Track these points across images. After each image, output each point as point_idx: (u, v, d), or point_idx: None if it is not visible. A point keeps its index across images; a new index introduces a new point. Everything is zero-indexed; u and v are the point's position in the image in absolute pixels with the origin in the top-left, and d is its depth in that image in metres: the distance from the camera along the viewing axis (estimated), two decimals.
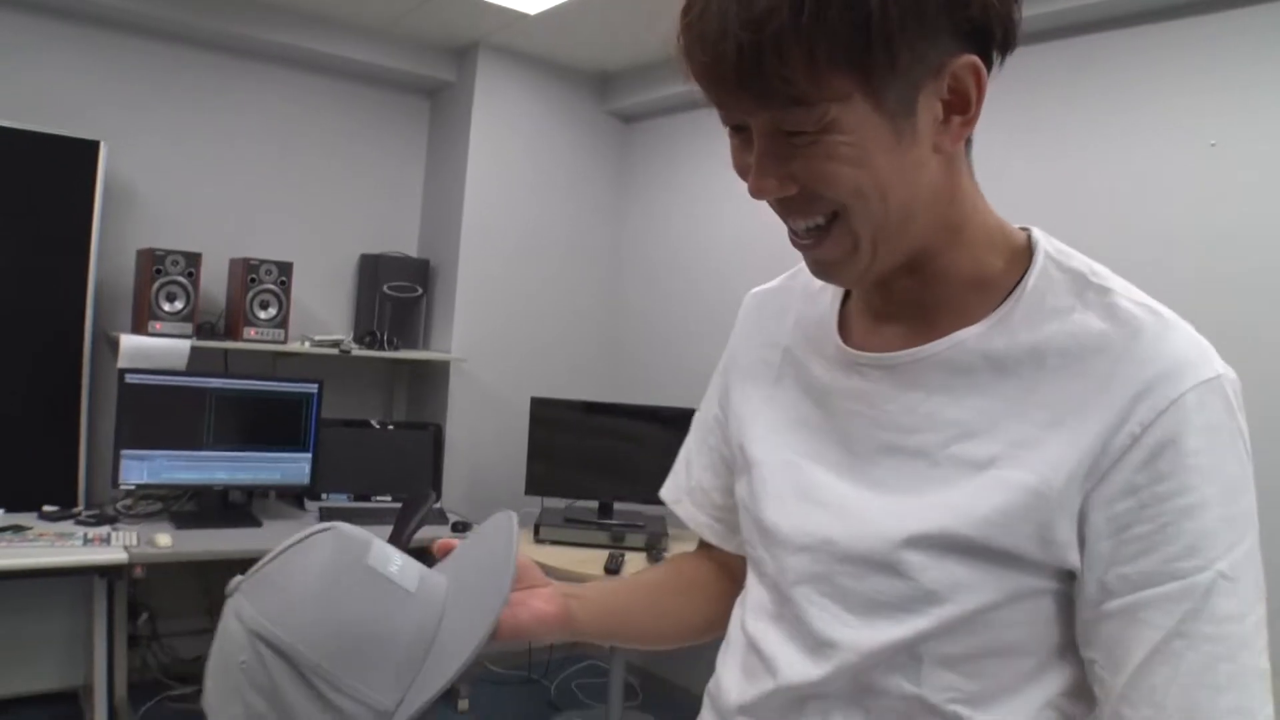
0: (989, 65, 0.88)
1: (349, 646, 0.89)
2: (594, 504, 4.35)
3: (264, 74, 4.47)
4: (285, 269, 4.12)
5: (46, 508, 3.71)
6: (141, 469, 3.80)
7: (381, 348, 4.49)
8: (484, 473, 4.75)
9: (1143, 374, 0.85)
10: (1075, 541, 0.87)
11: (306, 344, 4.32)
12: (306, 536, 0.95)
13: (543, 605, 1.10)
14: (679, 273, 4.72)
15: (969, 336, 0.95)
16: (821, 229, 0.91)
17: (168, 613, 4.22)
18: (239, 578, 0.95)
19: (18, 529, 3.42)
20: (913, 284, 0.99)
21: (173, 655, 4.24)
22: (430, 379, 4.85)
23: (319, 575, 0.91)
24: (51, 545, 3.32)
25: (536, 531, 4.06)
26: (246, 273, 4.05)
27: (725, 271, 4.42)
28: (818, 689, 1.02)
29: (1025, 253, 0.97)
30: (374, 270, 4.63)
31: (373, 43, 4.50)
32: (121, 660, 3.91)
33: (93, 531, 3.49)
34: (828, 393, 1.06)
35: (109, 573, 3.44)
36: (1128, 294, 0.91)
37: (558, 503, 4.38)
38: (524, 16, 4.14)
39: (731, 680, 1.11)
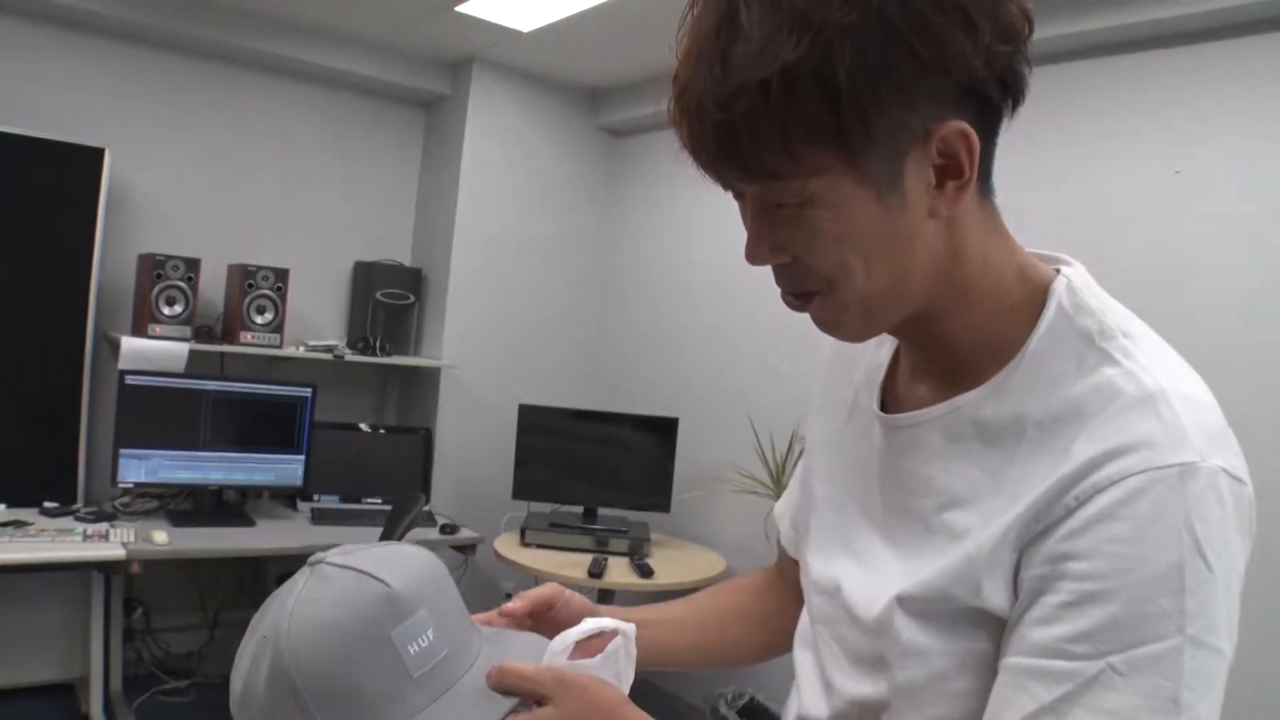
0: (995, 120, 0.87)
1: (335, 697, 0.90)
2: (579, 509, 4.43)
3: (265, 85, 4.55)
4: (282, 275, 4.19)
5: (47, 504, 3.79)
6: (139, 468, 3.88)
7: (374, 353, 4.57)
8: (472, 477, 4.82)
9: (1098, 448, 0.81)
10: (1008, 599, 0.85)
11: (301, 349, 4.40)
12: (364, 575, 0.95)
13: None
14: (665, 284, 4.79)
15: (965, 403, 0.93)
16: (808, 296, 0.91)
17: (161, 609, 4.29)
18: (324, 554, 0.97)
19: (19, 524, 3.51)
20: (928, 344, 0.98)
21: (166, 650, 4.33)
22: (421, 384, 4.93)
23: (344, 628, 0.91)
24: (52, 540, 3.40)
25: (523, 535, 4.15)
26: (244, 278, 4.13)
27: (710, 283, 4.48)
28: None
29: (1042, 306, 0.92)
30: (368, 278, 4.70)
31: (371, 56, 4.59)
32: (116, 654, 4.02)
33: (92, 528, 3.58)
34: (874, 444, 1.05)
35: (106, 568, 3.52)
36: (1134, 359, 0.86)
37: (543, 507, 4.46)
38: (517, 33, 4.23)
39: (790, 699, 1.15)
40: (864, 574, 1.01)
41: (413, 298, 4.77)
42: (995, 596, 0.86)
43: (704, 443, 4.42)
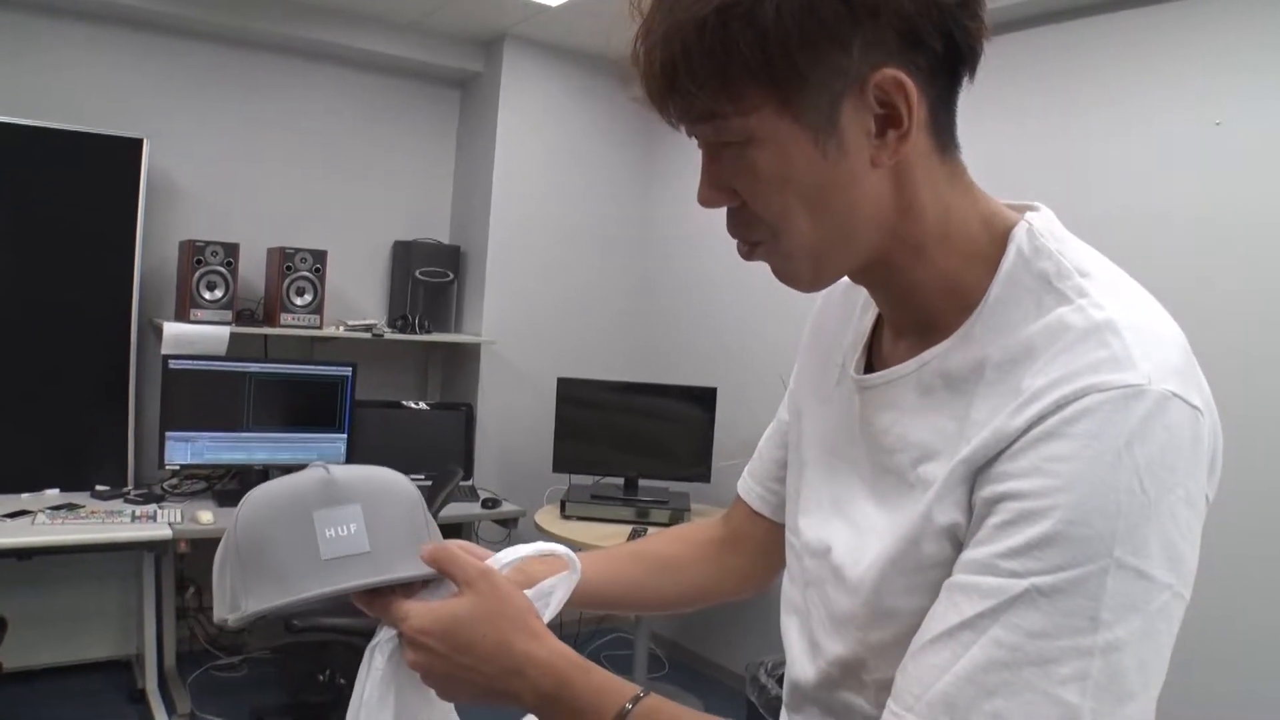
0: (946, 76, 0.87)
1: (252, 555, 1.00)
2: (619, 480, 4.46)
3: (299, 70, 4.61)
4: (320, 257, 4.27)
5: (99, 487, 3.91)
6: (185, 450, 3.97)
7: (414, 331, 4.63)
8: (514, 451, 4.87)
9: (1044, 381, 0.81)
10: (962, 523, 0.85)
11: (341, 328, 4.47)
12: (318, 466, 1.05)
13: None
14: (703, 255, 4.79)
15: (934, 355, 0.94)
16: (756, 245, 0.92)
17: (213, 587, 4.40)
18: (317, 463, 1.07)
19: (72, 507, 3.62)
20: (895, 297, 0.99)
21: (218, 627, 4.42)
22: (461, 360, 4.99)
23: (276, 498, 1.02)
24: (103, 522, 3.50)
25: (563, 508, 4.19)
26: (283, 261, 4.21)
27: None
28: (811, 692, 1.08)
29: (1003, 253, 0.92)
30: (406, 256, 4.76)
31: (404, 37, 4.63)
32: (170, 631, 4.12)
33: (140, 509, 3.68)
34: (855, 406, 1.05)
35: (155, 548, 3.64)
36: (1087, 296, 0.85)
37: (584, 479, 4.49)
38: (547, 8, 4.26)
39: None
40: (853, 535, 1.01)
41: (452, 275, 4.82)
42: (954, 518, 0.86)
43: (742, 410, 4.43)
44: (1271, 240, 2.88)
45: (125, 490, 3.96)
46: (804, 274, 0.93)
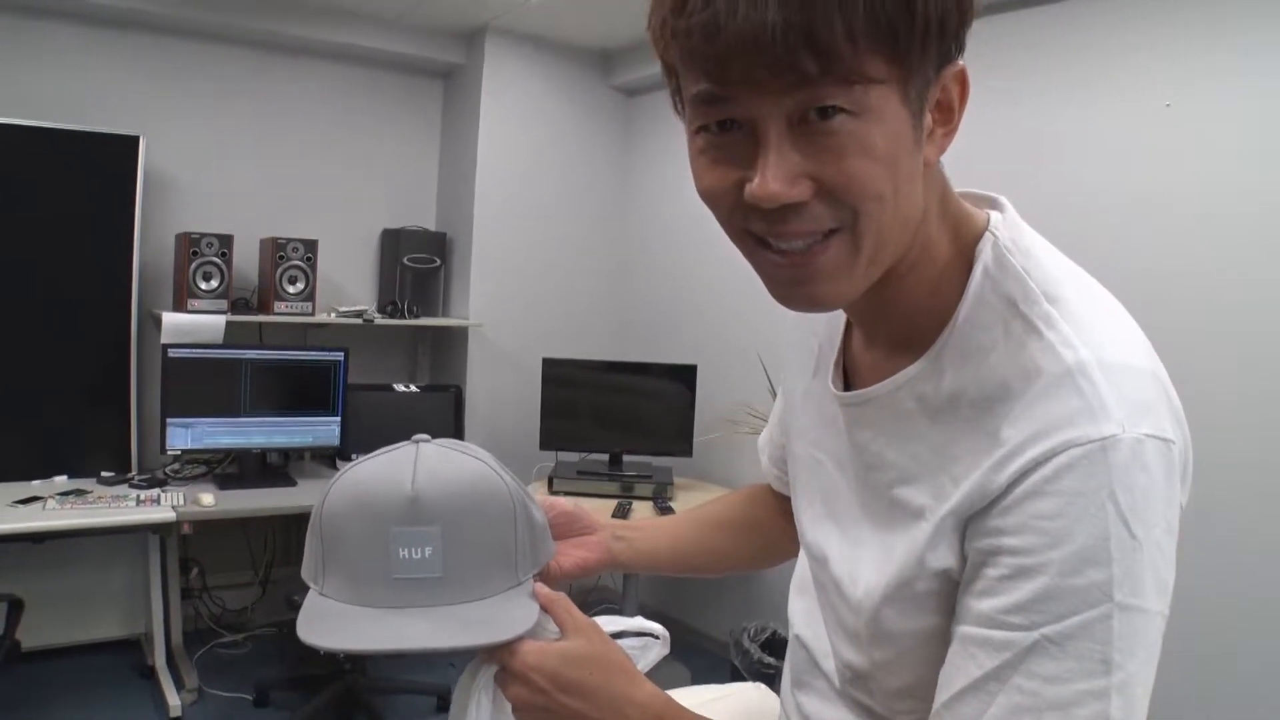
0: None
1: (332, 545, 1.01)
2: (605, 457, 4.58)
3: (287, 65, 4.70)
4: (311, 246, 4.37)
5: (104, 473, 4.02)
6: (186, 435, 4.08)
7: (403, 316, 4.75)
8: (502, 430, 4.97)
9: (1023, 434, 0.82)
10: (956, 568, 0.88)
11: (333, 315, 4.58)
12: (419, 442, 1.05)
13: (586, 554, 1.26)
14: (680, 237, 4.87)
15: (908, 378, 0.93)
16: (824, 239, 0.82)
17: (215, 568, 4.54)
18: (434, 439, 1.06)
19: (79, 493, 3.74)
20: (871, 313, 0.98)
21: (222, 606, 4.58)
22: (450, 344, 5.10)
23: (363, 494, 1.01)
24: (109, 507, 3.62)
25: (550, 484, 4.31)
26: (275, 251, 4.31)
27: (723, 235, 4.55)
28: (824, 676, 1.12)
29: (970, 266, 0.91)
30: (395, 244, 4.86)
31: (387, 30, 4.72)
32: (176, 611, 4.25)
33: (144, 493, 3.80)
34: (837, 409, 1.06)
35: (160, 530, 3.76)
36: (1057, 328, 0.85)
37: (571, 456, 4.61)
38: (526, 1, 4.35)
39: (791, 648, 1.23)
40: (846, 547, 1.03)
41: (439, 261, 4.91)
42: (948, 563, 0.88)
43: (721, 386, 4.53)
44: (1220, 217, 2.94)
45: (129, 475, 4.07)
46: (858, 271, 0.84)
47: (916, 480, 0.92)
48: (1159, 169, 3.10)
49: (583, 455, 4.65)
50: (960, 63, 0.80)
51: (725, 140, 0.81)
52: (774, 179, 0.77)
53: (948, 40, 0.77)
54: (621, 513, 3.97)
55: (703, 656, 4.57)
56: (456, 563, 0.99)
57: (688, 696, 1.44)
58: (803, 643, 1.17)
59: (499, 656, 0.99)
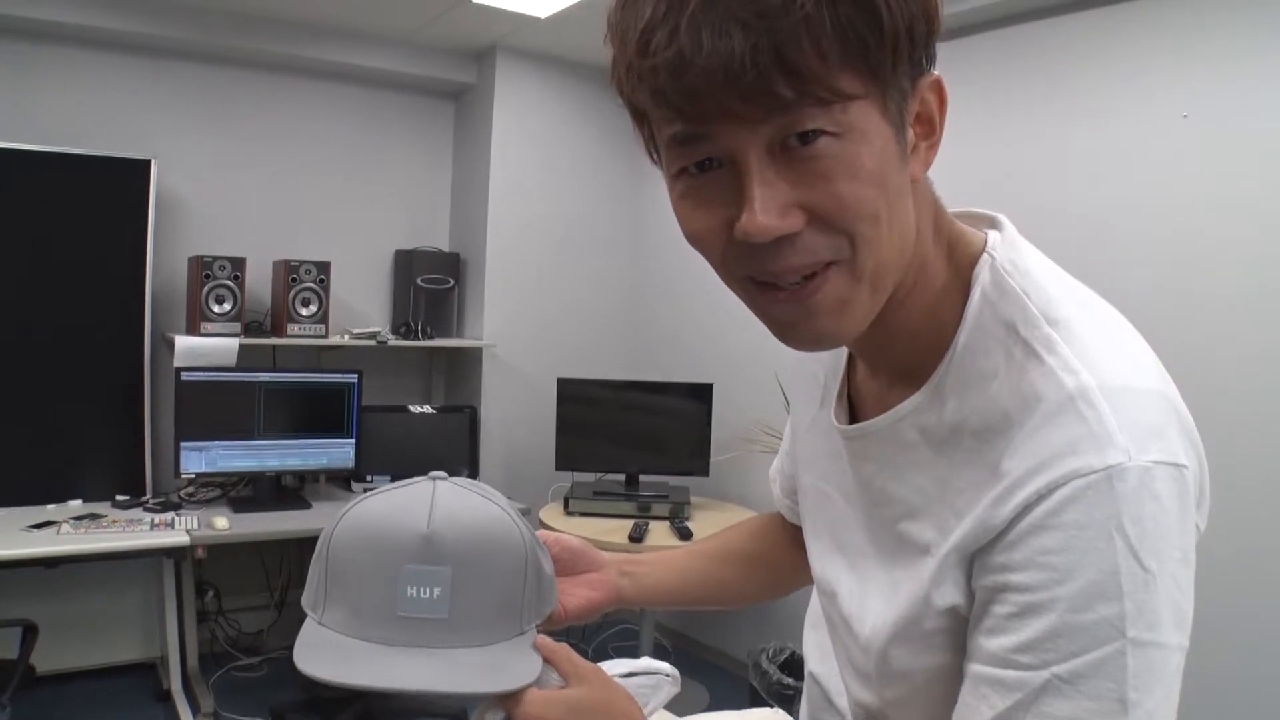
0: None
1: (338, 574, 0.99)
2: (621, 476, 4.57)
3: (298, 88, 4.72)
4: (324, 268, 4.38)
5: (119, 497, 4.04)
6: (200, 459, 4.08)
7: (417, 337, 4.74)
8: (518, 450, 4.98)
9: (1025, 465, 0.78)
10: (966, 609, 0.85)
11: (346, 337, 4.58)
12: (436, 479, 1.04)
13: (591, 594, 1.21)
14: (694, 254, 4.74)
15: (908, 410, 0.90)
16: (821, 272, 0.78)
17: (231, 591, 4.53)
18: (449, 477, 1.05)
19: (94, 516, 3.76)
20: (871, 342, 0.91)
21: (238, 629, 4.57)
22: (464, 364, 5.10)
23: (377, 528, 0.99)
24: (123, 531, 3.62)
25: (566, 504, 4.30)
26: (288, 273, 4.32)
27: None
28: (834, 713, 1.13)
29: (968, 289, 0.88)
30: (408, 265, 4.87)
31: (397, 52, 4.74)
32: (192, 634, 4.25)
33: (159, 517, 3.80)
34: (840, 442, 1.03)
35: (174, 554, 3.75)
36: (1057, 353, 0.81)
37: (587, 476, 4.60)
38: (535, 20, 4.36)
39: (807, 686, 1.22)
40: (854, 583, 1.01)
41: (452, 281, 4.93)
42: (955, 600, 0.85)
43: (737, 405, 4.52)
44: (1238, 226, 2.95)
45: (144, 499, 4.08)
46: (860, 304, 0.80)
47: (922, 515, 0.90)
48: (1177, 179, 3.11)
49: (599, 475, 4.63)
50: (935, 73, 0.78)
51: (707, 180, 0.78)
52: (763, 211, 0.74)
53: (919, 50, 0.74)
54: (639, 533, 3.96)
55: (721, 677, 4.56)
56: (463, 606, 0.97)
57: None
58: (816, 679, 1.17)
59: (506, 705, 0.97)
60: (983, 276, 0.86)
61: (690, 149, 0.77)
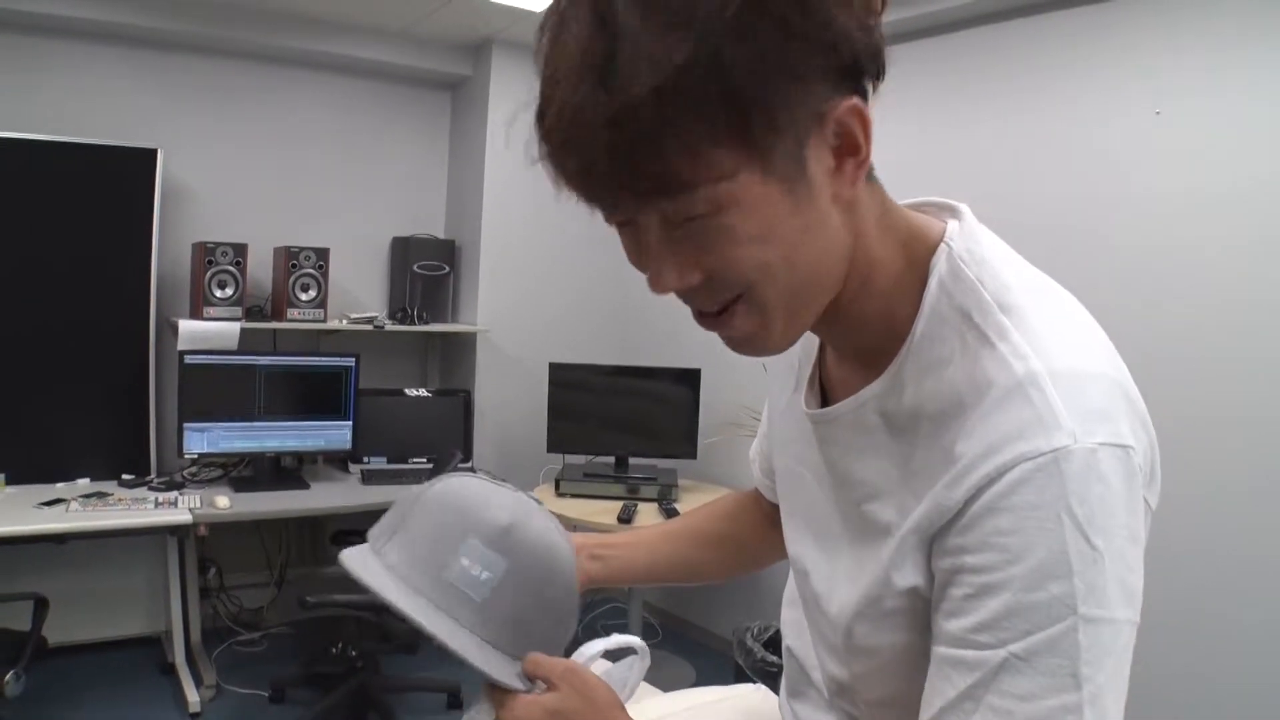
0: (865, 97, 0.81)
1: (413, 520, 1.06)
2: (610, 459, 4.66)
3: (299, 79, 4.80)
4: (323, 254, 4.47)
5: (124, 476, 4.15)
6: (202, 439, 4.19)
7: (413, 322, 4.84)
8: (510, 433, 5.08)
9: (976, 449, 0.82)
10: (927, 590, 0.88)
11: (344, 321, 4.66)
12: (528, 500, 1.10)
13: None
14: None
15: (870, 396, 0.93)
16: (724, 310, 0.86)
17: (232, 568, 4.64)
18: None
19: (100, 495, 3.87)
20: (835, 333, 0.99)
21: (239, 605, 4.69)
22: (459, 349, 5.19)
23: (461, 499, 1.07)
24: (128, 509, 3.73)
25: (557, 486, 4.38)
26: (288, 259, 4.41)
27: None
28: (814, 685, 1.17)
29: (925, 280, 0.90)
30: (404, 251, 4.95)
31: (395, 44, 4.81)
32: (195, 610, 4.35)
33: (162, 496, 3.91)
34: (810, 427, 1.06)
35: (177, 531, 3.86)
36: (1009, 339, 0.85)
37: (577, 459, 4.69)
38: (531, 14, 4.40)
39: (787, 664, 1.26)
40: (824, 562, 1.05)
41: (448, 268, 5.00)
42: (915, 582, 0.89)
43: (724, 390, 4.57)
44: (1210, 220, 3.00)
45: (149, 478, 4.18)
46: (775, 329, 0.87)
47: (883, 496, 0.93)
48: (1149, 175, 3.16)
49: (589, 458, 4.72)
50: (848, 101, 0.79)
51: (627, 234, 0.86)
52: (657, 277, 0.84)
53: (803, 96, 0.76)
54: (627, 514, 4.05)
55: (707, 656, 4.65)
56: (497, 602, 1.02)
57: (689, 698, 1.50)
58: (793, 654, 1.21)
59: (495, 704, 1.02)
60: (940, 266, 0.89)
61: (600, 213, 0.84)
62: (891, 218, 0.91)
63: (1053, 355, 0.83)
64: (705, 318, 0.88)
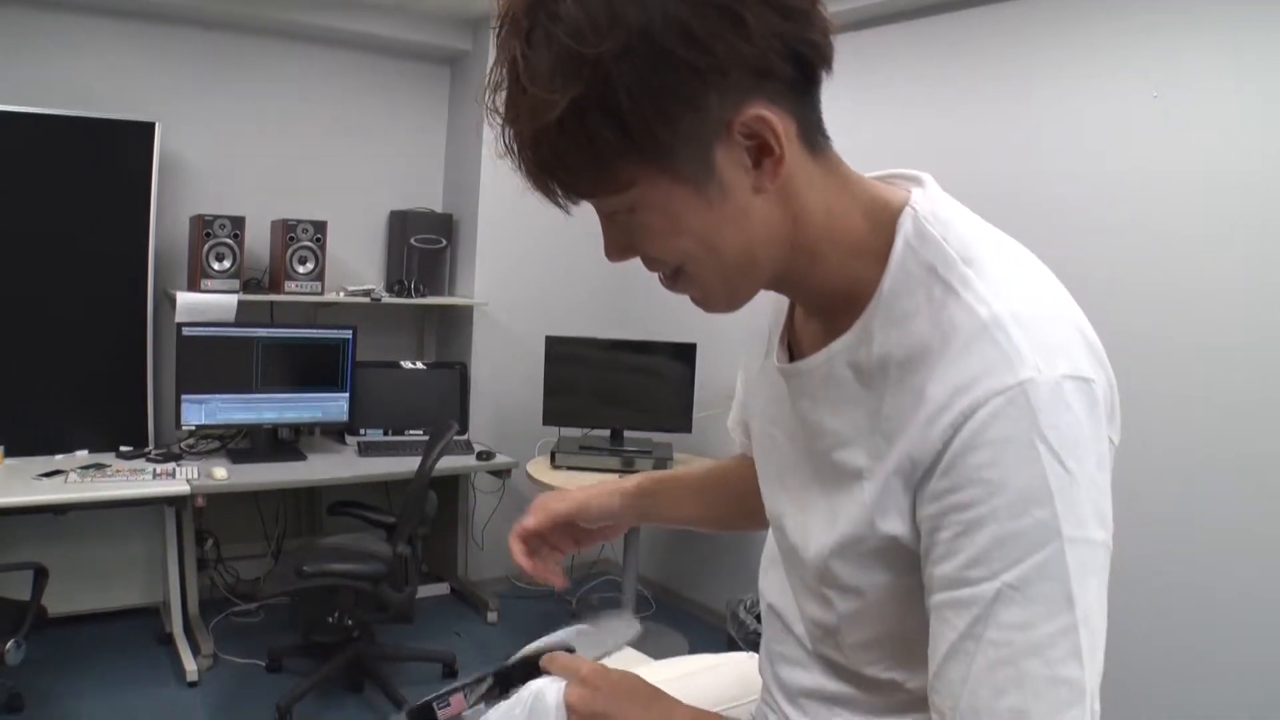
0: (805, 87, 0.88)
1: None
2: (606, 432, 4.69)
3: (298, 53, 4.79)
4: (320, 227, 4.48)
5: (122, 448, 4.18)
6: (200, 411, 4.22)
7: (410, 295, 4.86)
8: (506, 406, 5.11)
9: (946, 389, 0.87)
10: (910, 533, 0.92)
11: (342, 294, 4.69)
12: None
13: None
14: None
15: (840, 348, 0.98)
16: (673, 277, 0.96)
17: (230, 539, 4.66)
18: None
19: (99, 466, 3.89)
20: (802, 296, 1.06)
21: (236, 576, 4.71)
22: (455, 322, 5.22)
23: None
24: (126, 480, 3.77)
25: (553, 458, 4.42)
26: (286, 232, 4.42)
27: None
28: (791, 641, 1.19)
29: (892, 244, 0.95)
30: (402, 225, 4.97)
31: (395, 18, 4.81)
32: (192, 580, 4.37)
33: (160, 467, 3.94)
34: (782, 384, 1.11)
35: (175, 502, 3.89)
36: (972, 288, 0.90)
37: (573, 432, 4.72)
38: None
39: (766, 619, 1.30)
40: (799, 514, 1.10)
41: (445, 242, 5.02)
42: (898, 529, 0.92)
43: (720, 364, 4.57)
44: (1207, 203, 2.99)
45: (146, 450, 4.21)
46: (720, 301, 0.98)
47: (853, 443, 0.98)
48: (1147, 159, 3.15)
49: (585, 431, 4.75)
50: (750, 110, 0.85)
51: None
52: (608, 252, 0.98)
53: (696, 113, 0.84)
54: None
55: (699, 627, 4.70)
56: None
57: (682, 665, 1.55)
58: (775, 611, 1.23)
59: (570, 670, 1.13)
60: (905, 227, 0.94)
61: None
62: (853, 189, 0.97)
63: (1014, 300, 0.88)
64: (664, 280, 0.99)
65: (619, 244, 0.96)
